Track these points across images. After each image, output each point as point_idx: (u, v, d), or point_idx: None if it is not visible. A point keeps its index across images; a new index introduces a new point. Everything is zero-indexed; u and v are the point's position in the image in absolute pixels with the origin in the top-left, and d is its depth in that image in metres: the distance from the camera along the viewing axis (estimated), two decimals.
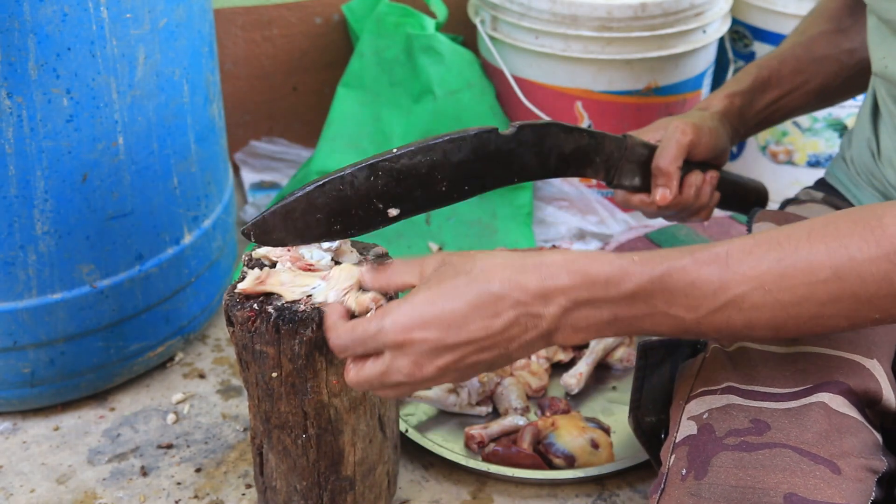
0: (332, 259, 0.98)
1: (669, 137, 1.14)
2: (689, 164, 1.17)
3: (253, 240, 0.91)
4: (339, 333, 0.85)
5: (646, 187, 1.16)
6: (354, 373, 0.84)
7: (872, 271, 0.73)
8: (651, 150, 1.15)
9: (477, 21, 1.78)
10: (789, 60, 1.22)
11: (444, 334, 0.79)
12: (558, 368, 1.39)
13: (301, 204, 0.90)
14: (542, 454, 1.24)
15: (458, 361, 0.80)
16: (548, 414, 1.30)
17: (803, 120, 1.81)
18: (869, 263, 0.73)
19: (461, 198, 0.97)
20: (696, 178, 1.17)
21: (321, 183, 0.90)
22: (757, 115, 1.23)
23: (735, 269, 0.76)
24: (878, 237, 0.73)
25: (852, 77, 1.23)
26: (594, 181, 1.77)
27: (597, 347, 1.38)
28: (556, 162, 1.04)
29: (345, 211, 0.92)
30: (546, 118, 1.02)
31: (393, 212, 0.94)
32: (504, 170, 0.99)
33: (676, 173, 1.14)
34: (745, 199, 1.32)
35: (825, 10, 1.24)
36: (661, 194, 1.15)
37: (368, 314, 0.87)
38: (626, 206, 1.22)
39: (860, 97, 1.77)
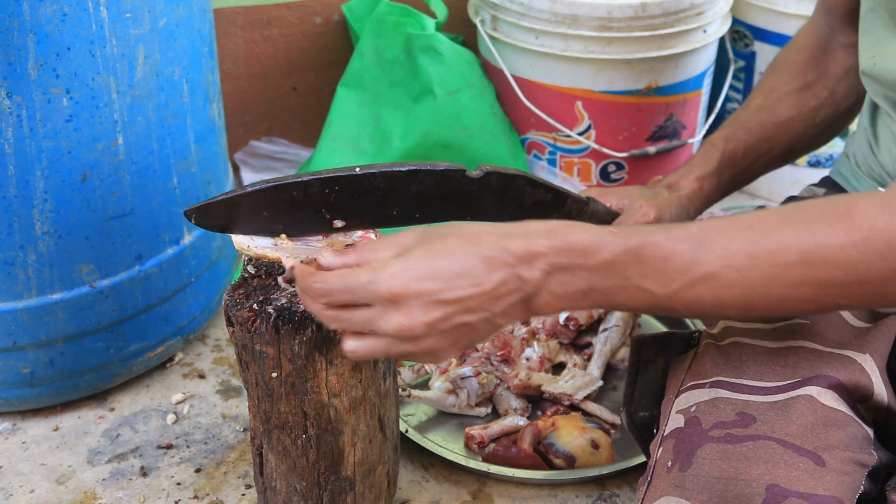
0: None
1: (630, 214, 1.16)
2: None
3: (194, 222, 0.93)
4: (326, 278, 0.83)
5: None
6: (333, 317, 0.83)
7: (839, 258, 0.75)
8: (611, 217, 1.16)
9: (477, 21, 1.78)
10: (755, 129, 1.23)
11: (438, 289, 0.80)
12: (558, 369, 1.39)
13: (250, 200, 0.92)
14: (543, 454, 1.24)
15: (446, 319, 0.80)
16: (548, 414, 1.30)
17: None
18: (836, 250, 0.75)
19: (408, 223, 0.98)
20: None
21: (276, 185, 0.92)
22: (722, 191, 1.25)
23: (707, 246, 0.78)
24: (847, 225, 0.75)
25: (818, 134, 1.25)
26: (593, 181, 1.78)
27: (603, 349, 1.38)
28: (514, 209, 1.03)
29: (291, 214, 0.93)
30: (514, 171, 1.02)
31: (338, 223, 0.95)
32: (460, 208, 0.99)
33: None
34: None
35: (791, 63, 1.24)
36: None
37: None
38: None
39: None
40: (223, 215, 0.93)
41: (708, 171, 1.22)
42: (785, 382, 0.84)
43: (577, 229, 0.81)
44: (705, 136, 1.91)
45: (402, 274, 0.80)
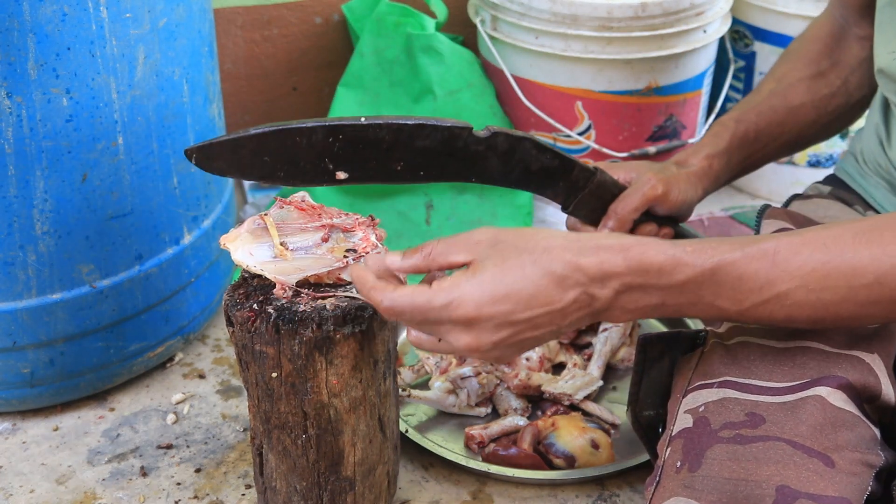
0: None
1: (639, 186, 1.15)
2: (648, 214, 1.17)
3: (194, 162, 0.92)
4: (395, 298, 0.85)
5: (598, 222, 1.16)
6: (413, 336, 0.88)
7: None
8: (618, 188, 1.14)
9: (477, 21, 1.78)
10: (766, 112, 1.22)
11: (510, 311, 0.82)
12: (558, 369, 1.39)
13: (252, 143, 0.91)
14: (543, 454, 1.24)
15: (513, 336, 0.83)
16: (548, 414, 1.30)
17: None
18: None
19: (414, 181, 0.98)
20: (650, 229, 1.18)
21: (280, 129, 0.91)
22: (731, 172, 1.24)
23: (782, 266, 0.80)
24: None
25: (829, 123, 1.24)
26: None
27: (603, 349, 1.38)
28: (520, 174, 1.03)
29: (293, 161, 0.92)
30: (521, 133, 1.01)
31: (341, 175, 0.94)
32: (465, 168, 0.99)
33: (630, 223, 1.15)
34: None
35: (805, 52, 1.23)
36: None
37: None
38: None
39: None
40: (224, 157, 0.92)
41: (718, 150, 1.21)
42: (794, 383, 0.84)
43: (650, 246, 0.82)
44: None
45: (475, 298, 0.81)
